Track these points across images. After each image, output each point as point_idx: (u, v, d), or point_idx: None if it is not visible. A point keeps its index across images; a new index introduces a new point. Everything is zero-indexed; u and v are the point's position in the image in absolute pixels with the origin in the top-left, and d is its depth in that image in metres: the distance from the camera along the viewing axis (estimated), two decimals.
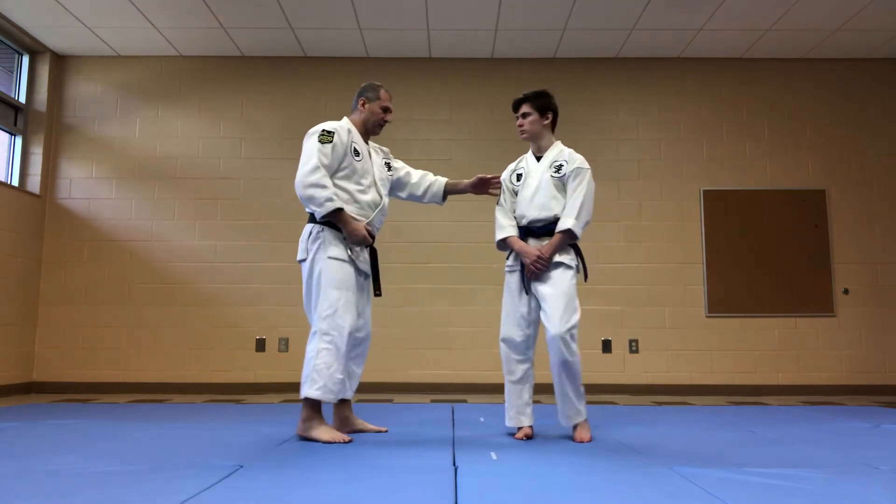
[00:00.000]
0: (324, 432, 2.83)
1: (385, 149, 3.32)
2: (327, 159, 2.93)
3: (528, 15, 5.10)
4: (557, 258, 2.96)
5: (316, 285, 2.93)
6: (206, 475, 2.13)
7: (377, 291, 3.10)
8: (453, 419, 3.65)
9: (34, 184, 5.57)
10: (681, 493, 1.98)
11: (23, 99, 5.58)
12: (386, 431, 3.15)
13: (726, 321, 5.56)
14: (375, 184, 3.10)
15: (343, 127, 3.05)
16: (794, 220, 5.66)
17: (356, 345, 3.06)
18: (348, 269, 2.94)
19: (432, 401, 4.79)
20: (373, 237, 3.08)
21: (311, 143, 2.97)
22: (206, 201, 5.68)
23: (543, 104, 3.10)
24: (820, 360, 5.51)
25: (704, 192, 5.71)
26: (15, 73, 5.61)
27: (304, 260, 2.99)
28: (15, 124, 5.54)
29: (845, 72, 5.85)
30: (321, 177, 2.89)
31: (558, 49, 5.67)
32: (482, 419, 3.66)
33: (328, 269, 2.90)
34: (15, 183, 5.51)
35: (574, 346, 2.86)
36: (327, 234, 2.94)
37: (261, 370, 5.49)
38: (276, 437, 2.95)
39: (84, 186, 5.68)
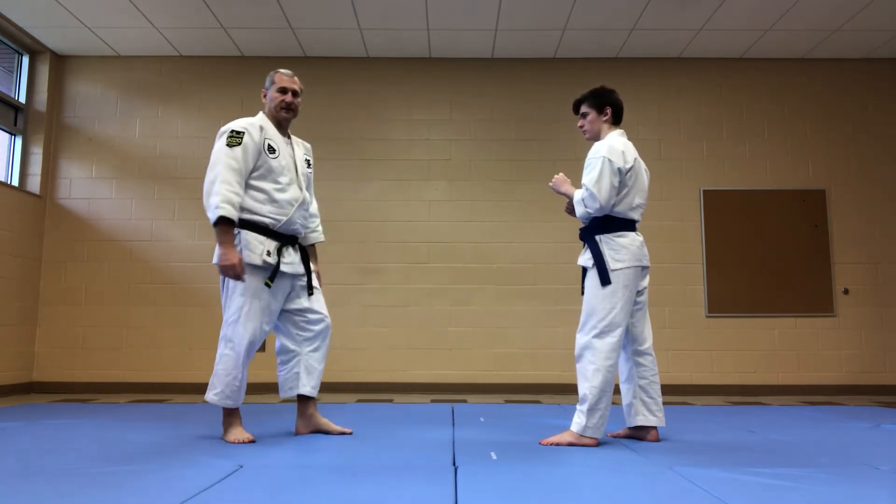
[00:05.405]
0: (230, 434, 2.83)
1: (307, 145, 3.19)
2: (237, 163, 2.76)
3: (528, 15, 5.09)
4: (580, 262, 3.03)
5: (226, 288, 2.82)
6: (206, 475, 2.13)
7: (309, 291, 2.95)
8: (453, 419, 3.65)
9: (34, 184, 5.57)
10: (681, 493, 1.98)
11: (23, 99, 5.58)
12: (351, 433, 3.02)
13: (726, 321, 5.56)
14: (297, 179, 2.95)
15: (255, 124, 2.89)
16: (794, 220, 5.66)
17: (311, 339, 2.98)
18: (260, 276, 2.79)
19: (432, 401, 4.79)
20: (296, 235, 2.97)
21: (218, 146, 2.81)
22: None
23: (600, 101, 3.02)
24: (820, 360, 5.51)
25: (704, 192, 5.71)
26: (15, 73, 5.61)
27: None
28: (15, 124, 5.53)
29: (845, 72, 5.85)
30: (220, 182, 2.72)
31: (558, 49, 5.67)
32: (482, 419, 3.66)
33: None
34: (15, 183, 5.51)
35: (584, 354, 2.87)
36: (243, 237, 2.80)
37: (261, 370, 5.47)
38: (276, 437, 2.95)
39: (84, 186, 5.68)
